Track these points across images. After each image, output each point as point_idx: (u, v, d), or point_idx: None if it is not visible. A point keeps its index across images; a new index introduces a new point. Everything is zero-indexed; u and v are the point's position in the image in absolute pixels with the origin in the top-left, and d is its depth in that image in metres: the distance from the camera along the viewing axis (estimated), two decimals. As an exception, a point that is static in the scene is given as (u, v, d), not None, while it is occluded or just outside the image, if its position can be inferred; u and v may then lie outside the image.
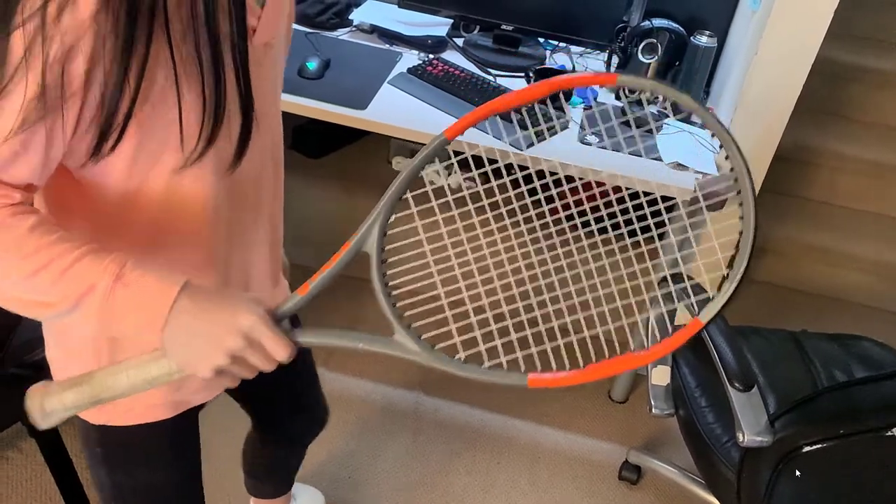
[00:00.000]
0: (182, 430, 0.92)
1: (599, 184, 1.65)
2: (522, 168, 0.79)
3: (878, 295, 2.55)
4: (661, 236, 0.76)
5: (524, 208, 0.80)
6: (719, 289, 0.65)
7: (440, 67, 1.80)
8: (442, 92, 1.72)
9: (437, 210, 0.76)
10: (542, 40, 2.03)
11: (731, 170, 0.64)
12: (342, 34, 1.95)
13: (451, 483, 1.75)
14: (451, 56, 1.92)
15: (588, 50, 2.05)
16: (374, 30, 1.97)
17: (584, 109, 1.76)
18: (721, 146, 0.65)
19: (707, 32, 1.72)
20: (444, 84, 1.74)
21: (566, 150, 1.59)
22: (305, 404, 1.23)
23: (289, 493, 1.47)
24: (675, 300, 1.15)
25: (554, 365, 0.67)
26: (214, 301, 0.64)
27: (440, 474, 1.77)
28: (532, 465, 1.83)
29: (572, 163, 1.54)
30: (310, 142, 2.69)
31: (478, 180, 0.77)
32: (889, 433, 1.00)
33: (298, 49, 1.76)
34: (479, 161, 0.82)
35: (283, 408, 1.19)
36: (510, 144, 1.56)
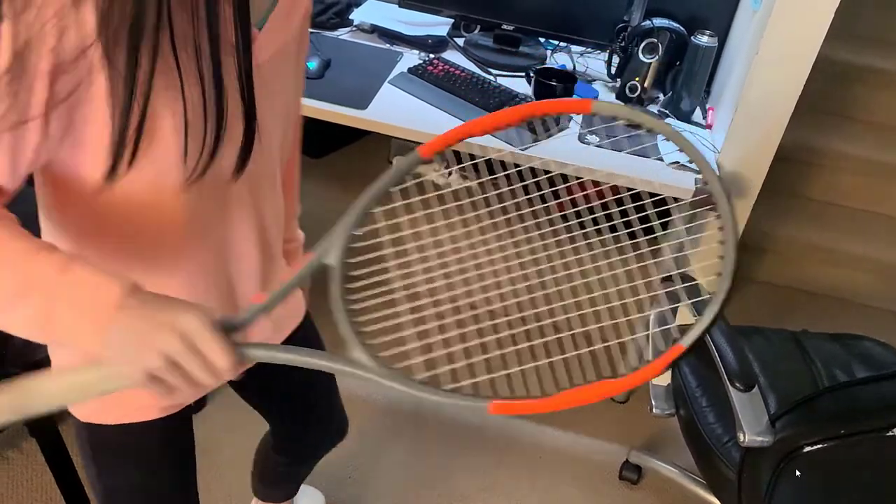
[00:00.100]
0: (173, 433, 0.92)
1: (596, 184, 1.65)
2: (505, 173, 0.77)
3: (880, 295, 2.55)
4: (653, 241, 0.75)
5: (499, 224, 0.78)
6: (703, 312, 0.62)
7: (441, 67, 1.80)
8: (442, 92, 1.72)
9: (406, 224, 0.75)
10: (542, 40, 2.03)
11: (710, 195, 0.62)
12: (343, 34, 1.95)
13: (452, 483, 1.75)
14: (452, 56, 1.92)
15: (589, 50, 2.05)
16: (375, 29, 1.97)
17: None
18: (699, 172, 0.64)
19: (708, 32, 1.72)
20: (444, 84, 1.74)
21: (566, 149, 1.59)
22: (321, 416, 1.20)
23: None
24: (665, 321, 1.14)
25: (521, 389, 0.65)
26: (160, 302, 0.61)
27: (441, 474, 1.77)
28: (533, 465, 1.82)
29: (572, 163, 1.54)
30: (310, 141, 2.67)
31: (456, 181, 0.76)
32: (890, 433, 1.00)
33: (299, 49, 1.76)
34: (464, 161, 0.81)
35: (298, 418, 1.18)
36: (509, 144, 1.56)
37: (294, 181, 1.02)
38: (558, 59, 1.99)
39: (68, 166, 0.64)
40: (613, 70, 1.87)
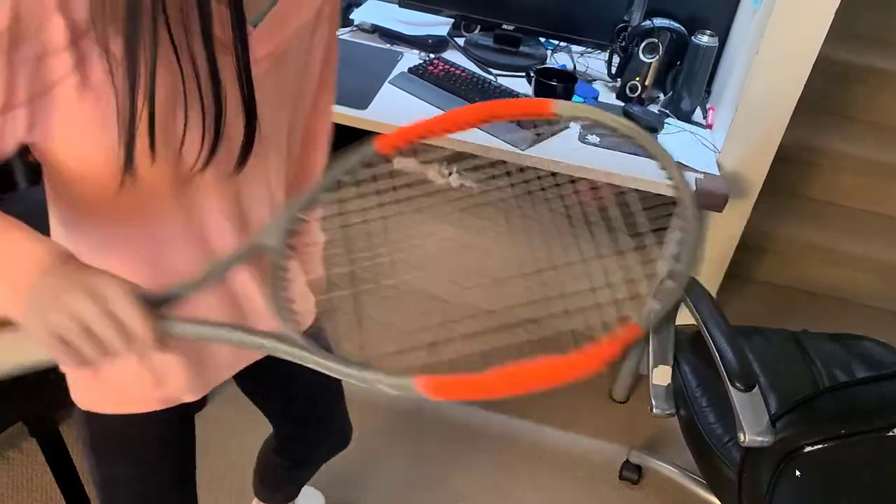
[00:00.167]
0: (173, 430, 0.92)
1: (594, 183, 1.65)
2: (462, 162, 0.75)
3: (880, 294, 2.55)
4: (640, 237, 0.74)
5: (453, 212, 0.77)
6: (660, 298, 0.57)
7: (441, 67, 1.80)
8: (443, 91, 1.72)
9: (352, 205, 0.74)
10: (542, 40, 2.03)
11: (676, 193, 0.59)
12: (343, 34, 1.95)
13: (453, 483, 1.75)
14: (452, 56, 1.92)
15: (589, 49, 2.05)
16: (375, 29, 1.97)
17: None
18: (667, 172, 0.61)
19: (708, 32, 1.72)
20: (445, 84, 1.74)
21: (566, 149, 1.59)
22: (322, 419, 1.19)
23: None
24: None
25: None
26: (86, 270, 0.58)
27: (441, 474, 1.77)
28: (533, 464, 1.82)
29: (573, 162, 1.54)
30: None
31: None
32: (890, 433, 1.00)
33: (299, 49, 1.76)
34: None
35: (299, 420, 1.17)
36: (510, 143, 1.56)
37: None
38: (558, 59, 1.99)
39: (81, 164, 0.65)
40: (614, 70, 1.87)
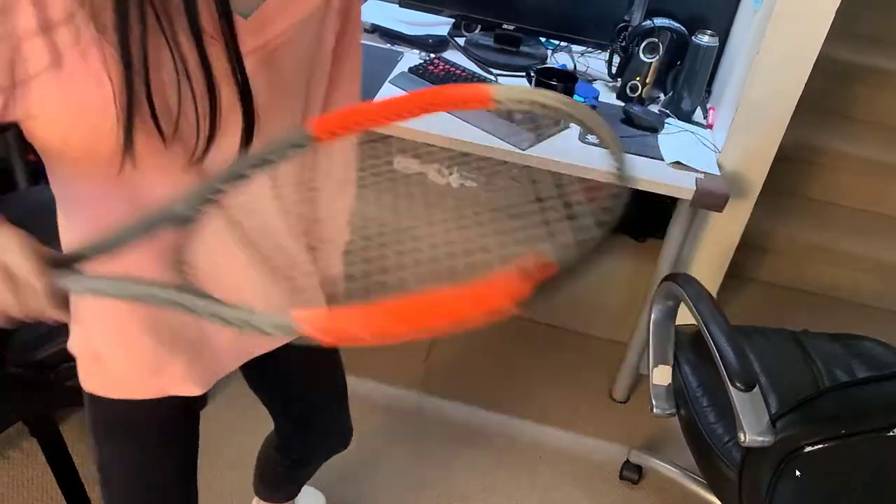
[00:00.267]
0: (174, 421, 0.92)
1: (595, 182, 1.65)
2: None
3: (880, 294, 2.55)
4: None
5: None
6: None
7: (441, 67, 1.80)
8: (443, 91, 1.72)
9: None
10: (543, 40, 2.03)
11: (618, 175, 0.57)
12: (343, 34, 1.95)
13: (452, 483, 1.75)
14: (453, 55, 1.92)
15: (589, 49, 2.05)
16: (376, 29, 1.97)
17: (586, 109, 1.76)
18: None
19: (709, 32, 1.72)
20: (445, 83, 1.74)
21: (567, 149, 1.58)
22: (327, 422, 1.20)
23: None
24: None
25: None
26: None
27: (441, 474, 1.77)
28: (533, 464, 1.82)
29: (573, 162, 1.54)
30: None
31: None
32: (891, 433, 1.00)
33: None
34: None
35: (302, 422, 1.18)
36: (510, 143, 1.56)
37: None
38: (559, 59, 1.99)
39: (74, 147, 0.65)
40: (614, 70, 1.87)
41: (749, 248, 2.45)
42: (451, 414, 1.93)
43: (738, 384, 1.15)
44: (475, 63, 1.90)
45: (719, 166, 1.63)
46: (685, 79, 1.75)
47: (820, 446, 1.09)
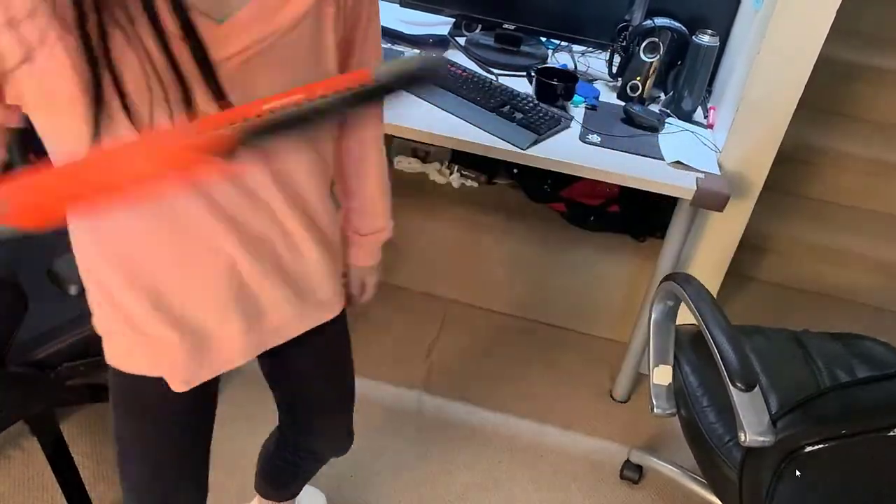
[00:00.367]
0: (188, 400, 0.92)
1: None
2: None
3: (881, 294, 2.55)
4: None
5: None
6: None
7: (442, 66, 1.80)
8: (444, 91, 1.72)
9: None
10: (543, 39, 2.03)
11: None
12: (344, 33, 1.95)
13: (453, 482, 1.75)
14: (453, 55, 1.92)
15: (590, 49, 2.05)
16: (376, 29, 1.97)
17: (587, 109, 1.76)
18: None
19: (709, 31, 1.72)
20: (445, 83, 1.73)
21: (567, 149, 1.58)
22: (330, 423, 1.21)
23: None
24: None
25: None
26: None
27: (442, 474, 1.77)
28: (534, 464, 1.82)
29: (573, 161, 1.54)
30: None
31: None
32: (892, 433, 1.00)
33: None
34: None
35: (306, 420, 1.19)
36: (511, 143, 1.55)
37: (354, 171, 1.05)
38: (559, 59, 1.99)
39: (58, 143, 0.67)
40: (615, 69, 1.86)
41: (749, 248, 2.45)
42: (451, 414, 1.93)
43: (739, 384, 1.15)
44: (476, 63, 1.90)
45: (720, 166, 1.63)
46: (686, 78, 1.75)
47: (820, 446, 1.09)
